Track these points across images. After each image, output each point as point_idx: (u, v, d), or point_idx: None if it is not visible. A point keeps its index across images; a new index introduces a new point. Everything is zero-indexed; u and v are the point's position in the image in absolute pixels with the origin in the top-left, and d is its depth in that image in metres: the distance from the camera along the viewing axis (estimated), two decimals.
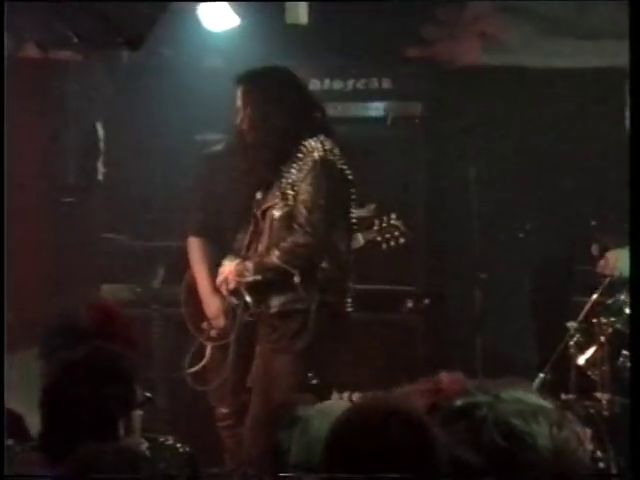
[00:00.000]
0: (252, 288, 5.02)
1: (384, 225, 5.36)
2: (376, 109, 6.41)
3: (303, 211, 4.87)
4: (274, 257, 4.91)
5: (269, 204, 4.99)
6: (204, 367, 5.34)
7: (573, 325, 5.23)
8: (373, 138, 6.25)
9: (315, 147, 4.94)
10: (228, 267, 5.14)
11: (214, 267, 5.32)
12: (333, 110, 6.39)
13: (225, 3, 6.12)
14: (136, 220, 6.37)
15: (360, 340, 5.77)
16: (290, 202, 4.89)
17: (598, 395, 5.04)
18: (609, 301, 5.18)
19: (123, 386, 3.02)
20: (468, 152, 6.25)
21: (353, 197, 5.05)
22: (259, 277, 4.97)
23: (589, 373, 5.17)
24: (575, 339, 5.20)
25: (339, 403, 3.33)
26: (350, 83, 6.49)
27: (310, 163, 4.90)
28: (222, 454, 5.53)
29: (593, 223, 5.55)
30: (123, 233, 6.37)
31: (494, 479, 2.02)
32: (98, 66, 6.39)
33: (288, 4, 5.84)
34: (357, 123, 6.39)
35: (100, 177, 6.31)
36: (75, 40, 4.52)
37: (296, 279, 4.88)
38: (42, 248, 6.04)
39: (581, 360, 5.20)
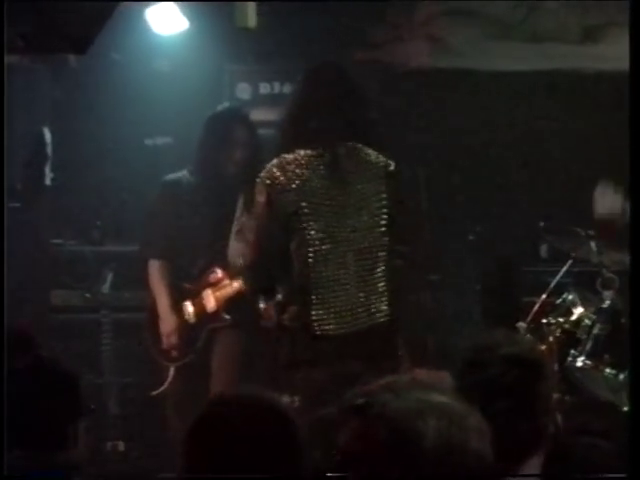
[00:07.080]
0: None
1: None
2: None
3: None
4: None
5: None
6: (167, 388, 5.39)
7: (522, 325, 5.26)
8: None
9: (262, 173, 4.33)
10: None
11: (174, 288, 5.39)
12: None
13: (174, 6, 6.09)
14: (85, 225, 6.33)
15: None
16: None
17: None
18: (557, 301, 5.22)
19: (67, 394, 2.93)
20: (418, 154, 6.26)
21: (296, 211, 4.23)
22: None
23: None
24: None
25: None
26: None
27: (255, 192, 4.30)
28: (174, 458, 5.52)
29: (541, 224, 5.59)
30: (72, 238, 6.34)
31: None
32: (44, 70, 6.33)
33: (237, 7, 5.82)
34: None
35: (48, 182, 6.26)
36: (21, 44, 4.46)
37: (262, 304, 4.67)
38: None
39: None
